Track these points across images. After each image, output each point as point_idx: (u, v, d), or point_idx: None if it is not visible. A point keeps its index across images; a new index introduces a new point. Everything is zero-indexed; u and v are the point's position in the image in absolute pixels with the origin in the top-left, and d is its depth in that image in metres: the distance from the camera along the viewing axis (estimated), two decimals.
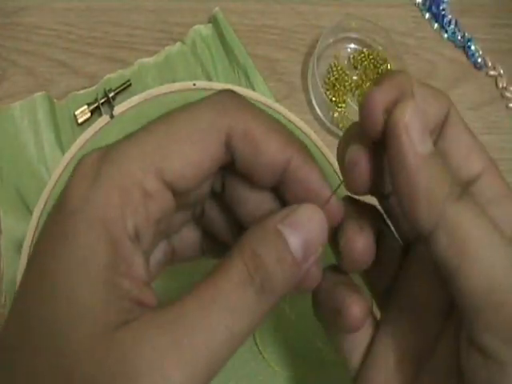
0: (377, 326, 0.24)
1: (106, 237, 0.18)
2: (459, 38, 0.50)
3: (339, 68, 0.47)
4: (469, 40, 0.50)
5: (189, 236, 0.24)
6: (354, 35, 0.49)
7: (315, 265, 0.21)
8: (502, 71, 0.50)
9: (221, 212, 0.23)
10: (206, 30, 0.46)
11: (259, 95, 0.43)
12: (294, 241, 0.19)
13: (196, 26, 0.46)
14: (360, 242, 0.21)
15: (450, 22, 0.50)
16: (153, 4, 0.48)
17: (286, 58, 0.48)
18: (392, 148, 0.19)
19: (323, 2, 0.50)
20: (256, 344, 0.35)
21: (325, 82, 0.47)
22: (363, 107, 0.20)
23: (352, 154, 0.21)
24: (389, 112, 0.20)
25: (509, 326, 0.18)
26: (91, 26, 0.47)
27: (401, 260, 0.25)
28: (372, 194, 0.23)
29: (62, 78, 0.45)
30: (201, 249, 0.25)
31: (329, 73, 0.47)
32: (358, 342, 0.24)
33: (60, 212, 0.18)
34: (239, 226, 0.23)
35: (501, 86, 0.49)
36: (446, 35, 0.51)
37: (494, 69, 0.50)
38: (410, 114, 0.19)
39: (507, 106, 0.49)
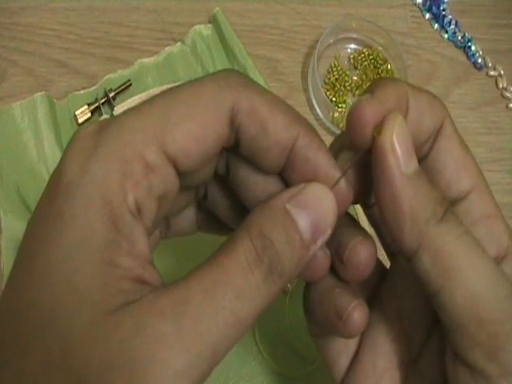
0: (364, 331, 0.24)
1: (105, 212, 0.17)
2: (459, 38, 0.50)
3: (339, 68, 0.47)
4: (469, 40, 0.50)
5: (185, 212, 0.24)
6: (354, 35, 0.49)
7: (323, 252, 0.21)
8: (502, 71, 0.50)
9: (224, 194, 0.23)
10: (206, 30, 0.46)
11: None
12: (303, 221, 0.19)
13: (196, 26, 0.46)
14: (364, 252, 0.21)
15: (450, 23, 0.50)
16: (153, 4, 0.48)
17: (286, 58, 0.48)
18: (378, 166, 0.19)
19: (323, 2, 0.50)
20: (256, 344, 0.35)
21: (325, 82, 0.47)
22: (352, 120, 0.19)
23: (341, 165, 0.21)
24: (377, 127, 0.19)
25: (492, 341, 0.18)
26: (91, 25, 0.47)
27: (382, 270, 0.25)
28: (356, 202, 0.22)
29: (62, 78, 0.45)
30: (196, 224, 0.24)
31: (329, 73, 0.47)
32: (346, 347, 0.24)
33: (55, 187, 0.17)
34: (243, 208, 0.22)
35: (501, 86, 0.49)
36: (446, 35, 0.51)
37: (494, 69, 0.50)
38: (397, 134, 0.19)
39: (507, 106, 0.49)
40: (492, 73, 0.50)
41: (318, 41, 0.46)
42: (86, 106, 0.42)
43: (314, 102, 0.46)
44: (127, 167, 0.17)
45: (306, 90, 0.47)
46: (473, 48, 0.50)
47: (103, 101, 0.42)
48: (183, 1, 0.48)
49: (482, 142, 0.48)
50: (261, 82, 0.44)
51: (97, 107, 0.42)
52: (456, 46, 0.51)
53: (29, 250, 0.17)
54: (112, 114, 0.40)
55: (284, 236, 0.18)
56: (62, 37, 0.46)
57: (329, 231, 0.19)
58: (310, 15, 0.49)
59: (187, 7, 0.48)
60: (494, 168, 0.47)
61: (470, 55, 0.50)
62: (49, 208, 0.17)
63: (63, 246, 0.16)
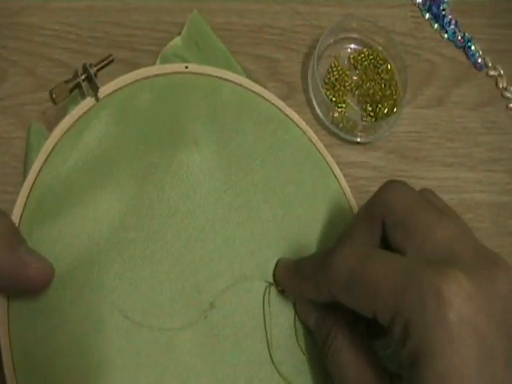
0: None
1: None
2: (459, 38, 0.50)
3: (339, 68, 0.47)
4: (469, 40, 0.50)
5: None
6: (354, 35, 0.49)
7: None
8: (501, 71, 0.50)
9: None
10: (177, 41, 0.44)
11: (262, 89, 0.41)
12: None
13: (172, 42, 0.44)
14: None
15: (450, 23, 0.50)
16: (153, 4, 0.48)
17: (286, 58, 0.48)
18: None
19: (323, 2, 0.50)
20: (273, 363, 0.34)
21: (325, 82, 0.47)
22: None
23: None
24: None
25: None
26: (91, 25, 0.47)
27: None
28: None
29: (62, 78, 0.44)
30: None
31: (329, 73, 0.47)
32: None
33: None
34: None
35: (501, 86, 0.49)
36: (446, 35, 0.51)
37: (494, 69, 0.50)
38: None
39: (507, 106, 0.49)
40: (492, 73, 0.50)
41: (318, 41, 0.46)
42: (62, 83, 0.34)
43: (314, 101, 0.46)
44: None
45: (305, 90, 0.47)
46: (473, 48, 0.50)
47: (84, 77, 0.36)
48: (183, 1, 0.48)
49: (482, 142, 0.48)
50: (239, 71, 0.43)
51: (77, 85, 0.35)
52: (456, 46, 0.51)
53: None
54: (97, 97, 0.35)
55: None
56: (61, 37, 0.46)
57: None
58: (310, 15, 0.49)
59: (188, 7, 0.48)
60: (493, 168, 0.47)
61: (469, 55, 0.50)
62: None
63: None
